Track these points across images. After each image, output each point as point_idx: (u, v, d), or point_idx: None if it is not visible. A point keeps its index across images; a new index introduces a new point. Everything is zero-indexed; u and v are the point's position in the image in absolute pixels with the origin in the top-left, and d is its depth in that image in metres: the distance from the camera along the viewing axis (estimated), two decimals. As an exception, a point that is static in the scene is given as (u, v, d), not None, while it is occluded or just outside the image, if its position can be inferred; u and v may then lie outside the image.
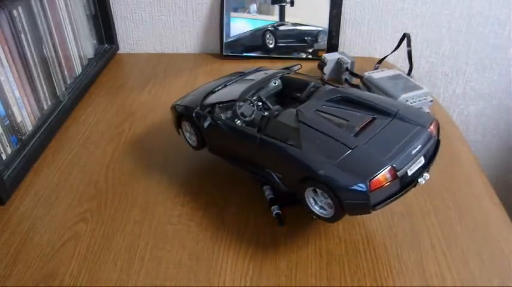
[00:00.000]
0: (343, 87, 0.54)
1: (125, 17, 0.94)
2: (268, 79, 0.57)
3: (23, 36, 0.63)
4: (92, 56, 0.88)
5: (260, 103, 0.56)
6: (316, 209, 0.46)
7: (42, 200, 0.56)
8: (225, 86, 0.59)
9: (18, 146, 0.61)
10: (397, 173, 0.42)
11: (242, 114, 0.53)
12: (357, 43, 0.95)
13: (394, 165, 0.42)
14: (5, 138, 0.58)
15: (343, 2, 0.90)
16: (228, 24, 0.91)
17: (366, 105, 0.49)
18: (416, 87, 0.70)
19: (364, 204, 0.42)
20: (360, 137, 0.45)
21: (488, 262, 0.46)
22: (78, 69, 0.81)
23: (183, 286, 0.45)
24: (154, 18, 0.94)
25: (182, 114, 0.57)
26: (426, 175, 0.45)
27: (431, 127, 0.47)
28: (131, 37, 0.97)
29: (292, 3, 0.89)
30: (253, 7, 0.90)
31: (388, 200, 0.43)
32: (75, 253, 0.48)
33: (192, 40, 0.97)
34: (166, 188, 0.57)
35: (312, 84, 0.55)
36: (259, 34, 0.90)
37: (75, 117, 0.74)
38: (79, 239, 0.50)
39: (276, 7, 0.89)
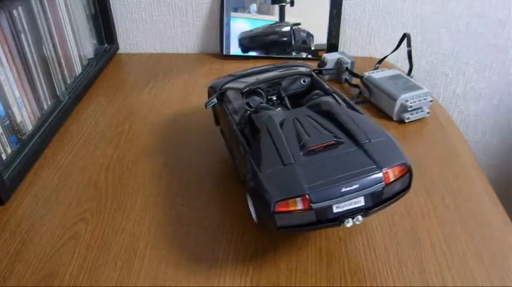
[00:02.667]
0: (343, 101, 0.51)
1: (125, 17, 0.94)
2: (282, 77, 0.57)
3: (23, 36, 0.63)
4: (92, 56, 0.88)
5: (275, 98, 0.56)
6: (253, 212, 0.46)
7: (42, 200, 0.56)
8: (255, 74, 0.60)
9: (18, 146, 0.61)
10: (312, 204, 0.40)
11: (248, 104, 0.54)
12: (357, 43, 0.95)
13: (311, 196, 0.40)
14: (5, 138, 0.58)
15: (343, 2, 0.90)
16: (228, 24, 0.91)
17: (344, 127, 0.46)
18: (416, 87, 0.70)
19: (270, 222, 0.41)
20: (307, 157, 0.43)
21: (488, 262, 0.46)
22: (78, 69, 0.81)
23: (183, 286, 0.45)
24: (154, 18, 0.94)
25: (209, 93, 0.61)
26: (358, 218, 0.41)
27: (390, 171, 0.42)
28: (131, 37, 0.97)
29: (292, 3, 0.89)
30: (253, 7, 0.90)
31: (301, 227, 0.41)
32: (75, 253, 0.49)
33: (192, 40, 0.97)
34: (166, 188, 0.58)
35: (316, 91, 0.54)
36: (288, 32, 0.90)
37: (75, 117, 0.74)
38: (79, 239, 0.50)
39: (276, 7, 0.89)
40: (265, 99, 0.56)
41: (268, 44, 0.91)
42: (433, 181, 0.58)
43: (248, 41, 0.91)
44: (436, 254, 0.48)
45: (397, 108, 0.69)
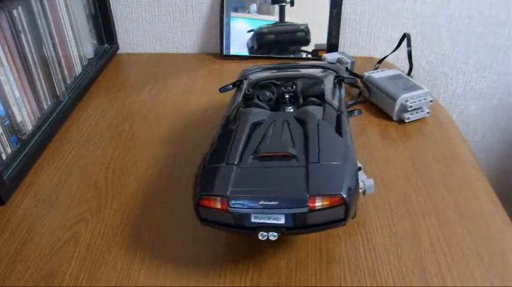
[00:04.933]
0: (337, 115, 0.50)
1: (125, 17, 0.94)
2: (292, 77, 0.57)
3: (23, 36, 0.63)
4: (92, 56, 0.88)
5: (287, 96, 0.56)
6: None
7: (42, 200, 0.56)
8: (282, 69, 0.61)
9: (18, 146, 0.61)
10: (229, 208, 0.40)
11: (258, 97, 0.55)
12: (357, 43, 0.95)
13: (230, 200, 0.40)
14: (5, 138, 0.58)
15: (343, 2, 0.90)
16: (228, 24, 0.91)
17: (306, 141, 0.45)
18: (416, 87, 0.70)
19: (196, 212, 0.43)
20: (255, 161, 0.43)
21: (488, 262, 0.46)
22: (78, 69, 0.81)
23: (183, 286, 0.45)
24: (154, 18, 0.94)
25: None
26: (273, 234, 0.40)
27: (318, 198, 0.39)
28: (131, 37, 0.97)
29: (292, 3, 0.89)
30: (253, 7, 0.90)
31: (222, 227, 0.42)
32: (75, 253, 0.49)
33: (192, 40, 0.97)
34: (166, 188, 0.58)
35: (311, 99, 0.54)
36: (309, 30, 0.90)
37: (75, 117, 0.74)
38: (79, 239, 0.50)
39: (276, 7, 0.89)
40: (275, 95, 0.56)
41: (286, 42, 0.90)
42: (433, 181, 0.58)
43: (272, 37, 0.90)
44: (436, 254, 0.48)
45: (397, 108, 0.69)
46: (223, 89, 0.58)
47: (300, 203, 0.39)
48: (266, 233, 0.41)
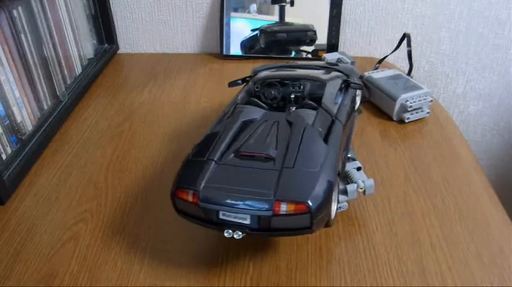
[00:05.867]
0: (330, 122, 0.49)
1: (124, 17, 0.94)
2: (296, 78, 0.56)
3: (23, 36, 0.63)
4: (92, 56, 0.88)
5: (293, 96, 0.56)
6: None
7: (42, 200, 0.56)
8: (288, 68, 0.61)
9: (18, 146, 0.61)
10: (199, 202, 0.41)
11: (263, 94, 0.55)
12: (357, 43, 0.95)
13: (200, 194, 0.41)
14: (5, 138, 0.58)
15: (343, 2, 0.90)
16: (228, 24, 0.91)
17: (289, 144, 0.44)
18: (416, 87, 0.70)
19: (172, 202, 0.44)
20: (235, 159, 0.43)
21: (488, 262, 0.46)
22: (78, 69, 0.81)
23: (183, 286, 0.45)
24: (154, 18, 0.94)
25: None
26: (238, 233, 0.41)
27: (283, 203, 0.39)
28: (131, 37, 0.97)
29: (292, 3, 0.89)
30: (253, 7, 0.90)
31: (194, 219, 0.44)
32: (75, 253, 0.49)
33: (192, 40, 0.97)
34: (166, 188, 0.58)
35: (308, 101, 0.53)
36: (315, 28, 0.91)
37: (75, 117, 0.74)
38: (79, 239, 0.50)
39: (276, 7, 0.89)
40: (280, 94, 0.56)
41: (298, 41, 0.90)
42: (433, 181, 0.58)
43: (284, 35, 0.89)
44: (436, 254, 0.48)
45: (397, 108, 0.69)
46: (232, 84, 0.59)
47: (265, 206, 0.40)
48: (231, 232, 0.41)
